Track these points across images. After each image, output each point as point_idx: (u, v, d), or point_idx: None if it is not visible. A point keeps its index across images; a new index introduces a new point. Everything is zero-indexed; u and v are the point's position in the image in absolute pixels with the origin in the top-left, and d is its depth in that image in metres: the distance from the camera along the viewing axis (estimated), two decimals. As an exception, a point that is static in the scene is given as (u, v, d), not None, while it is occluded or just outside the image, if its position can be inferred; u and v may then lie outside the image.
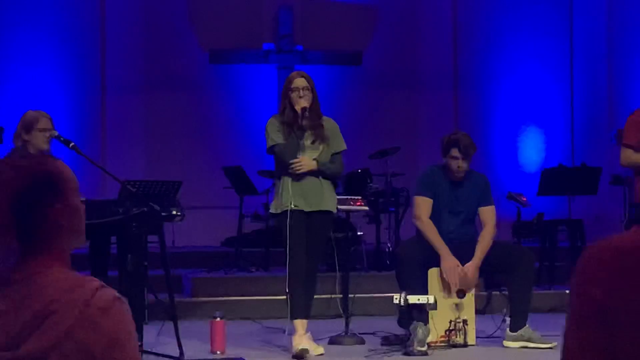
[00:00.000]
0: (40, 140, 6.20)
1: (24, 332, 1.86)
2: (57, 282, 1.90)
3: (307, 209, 6.54)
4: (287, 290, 6.51)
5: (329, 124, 6.71)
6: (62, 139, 6.03)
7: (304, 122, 6.53)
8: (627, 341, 1.58)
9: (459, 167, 6.94)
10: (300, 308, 6.54)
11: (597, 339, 1.63)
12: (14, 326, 1.86)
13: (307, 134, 6.59)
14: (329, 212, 6.66)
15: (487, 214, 7.06)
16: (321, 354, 6.53)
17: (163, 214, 6.04)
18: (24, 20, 11.38)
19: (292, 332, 6.57)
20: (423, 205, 7.00)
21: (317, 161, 6.58)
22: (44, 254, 1.93)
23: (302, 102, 6.52)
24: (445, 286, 6.88)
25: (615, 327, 1.59)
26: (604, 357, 1.62)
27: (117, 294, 1.92)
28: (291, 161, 6.51)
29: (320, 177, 6.61)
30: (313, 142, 6.61)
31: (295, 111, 6.53)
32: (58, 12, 11.55)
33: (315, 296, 6.77)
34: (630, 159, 6.77)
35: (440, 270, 6.88)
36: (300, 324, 6.53)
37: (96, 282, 1.92)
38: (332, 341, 7.02)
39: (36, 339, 1.85)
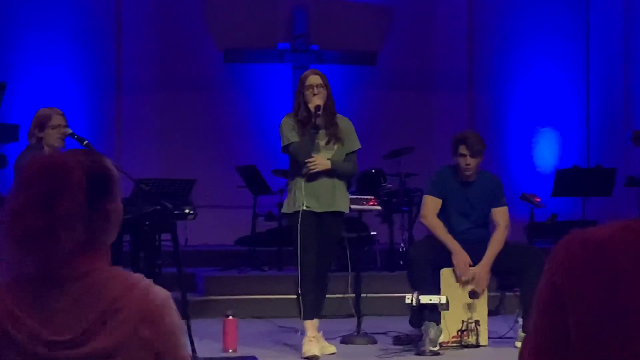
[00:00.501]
0: (53, 138, 6.22)
1: (90, 330, 1.89)
2: (115, 279, 1.94)
3: (319, 210, 6.52)
4: (298, 291, 6.51)
5: (343, 123, 6.68)
6: (76, 136, 6.06)
7: (318, 121, 6.49)
8: (581, 326, 1.63)
9: (467, 164, 6.93)
10: (311, 309, 6.53)
11: (550, 323, 1.68)
12: (78, 324, 1.89)
13: (322, 133, 6.55)
14: (340, 213, 6.64)
15: (500, 214, 7.05)
16: (333, 353, 6.53)
17: (176, 212, 6.05)
18: (40, 20, 11.43)
19: (304, 332, 6.57)
20: (430, 204, 7.01)
21: (331, 161, 6.56)
22: (93, 251, 1.96)
23: (316, 99, 6.48)
24: (458, 282, 6.87)
25: (569, 313, 1.64)
26: (561, 340, 1.67)
27: (167, 290, 1.98)
28: (306, 160, 6.49)
29: (334, 178, 6.58)
30: (328, 143, 6.58)
31: (309, 109, 6.50)
32: (74, 11, 11.59)
33: (327, 296, 6.77)
34: None
35: (453, 270, 6.88)
36: (310, 325, 6.51)
37: (145, 279, 1.98)
38: (344, 341, 7.03)
39: (103, 337, 1.89)
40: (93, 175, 1.97)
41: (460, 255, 6.85)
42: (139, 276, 1.98)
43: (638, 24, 12.17)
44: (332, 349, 6.58)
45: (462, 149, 6.93)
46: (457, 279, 6.88)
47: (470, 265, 6.88)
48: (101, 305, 1.90)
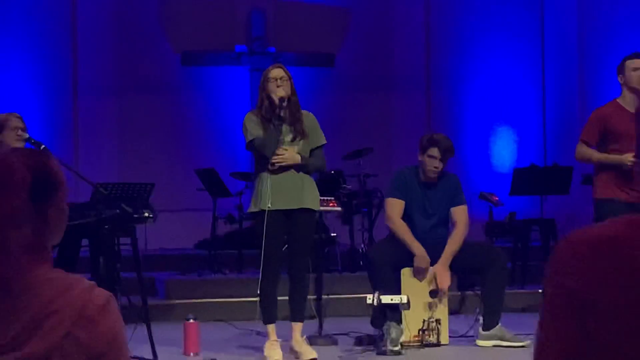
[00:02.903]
0: (12, 140, 6.17)
1: (24, 333, 1.83)
2: (53, 281, 1.88)
3: (286, 207, 6.34)
4: (258, 293, 6.41)
5: (308, 118, 6.50)
6: (32, 141, 6.02)
7: (283, 114, 6.31)
8: (602, 329, 1.60)
9: (435, 167, 6.95)
10: (272, 312, 6.44)
11: (569, 329, 1.65)
12: (12, 327, 1.84)
13: (287, 129, 6.36)
14: (311, 210, 6.45)
15: (459, 213, 7.08)
16: (314, 359, 6.38)
17: (135, 216, 6.02)
18: (-6, 23, 11.33)
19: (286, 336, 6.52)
20: (395, 207, 7.02)
21: (301, 155, 6.38)
22: (36, 253, 1.90)
23: (280, 91, 6.31)
24: (418, 285, 6.91)
25: (589, 316, 1.61)
26: (576, 347, 1.64)
27: (109, 292, 1.92)
28: (275, 154, 6.30)
29: (301, 173, 6.39)
30: (293, 139, 6.39)
31: (273, 102, 6.31)
32: (28, 15, 11.50)
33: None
34: (583, 155, 6.84)
35: (412, 270, 6.91)
36: (271, 329, 6.44)
37: (86, 280, 1.91)
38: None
39: (37, 340, 1.83)
40: (37, 174, 1.91)
41: (422, 258, 6.88)
42: (78, 277, 1.91)
43: (592, 23, 12.29)
44: (312, 354, 6.41)
45: (433, 151, 6.94)
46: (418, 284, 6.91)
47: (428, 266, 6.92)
48: (36, 308, 1.84)
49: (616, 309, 1.58)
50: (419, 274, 6.90)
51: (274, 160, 6.32)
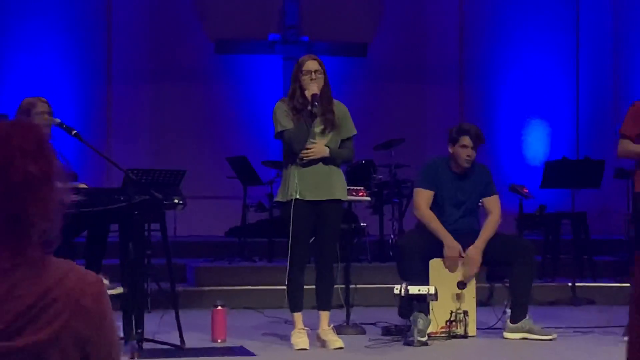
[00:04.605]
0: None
1: (18, 322, 1.81)
2: (47, 269, 1.85)
3: (314, 198, 6.34)
4: (286, 282, 6.43)
5: (339, 109, 6.48)
6: (64, 126, 6.04)
7: (315, 110, 6.29)
8: None
9: (468, 156, 6.94)
10: (299, 300, 6.45)
11: None
12: (5, 316, 1.80)
13: (317, 120, 6.35)
14: (338, 201, 6.46)
15: (492, 203, 7.07)
16: (340, 348, 6.38)
17: (165, 202, 6.06)
18: (30, 9, 11.40)
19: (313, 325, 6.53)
20: (423, 196, 7.01)
21: (329, 148, 6.38)
22: (28, 240, 1.86)
23: (314, 87, 6.27)
24: (447, 273, 6.90)
25: None
26: None
27: (99, 277, 1.90)
28: (302, 149, 6.31)
29: (330, 165, 6.39)
30: (323, 130, 6.38)
31: (305, 97, 6.30)
32: (64, 1, 11.57)
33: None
34: (626, 149, 6.77)
35: (443, 260, 6.90)
36: (299, 317, 6.46)
37: (76, 265, 1.89)
38: (334, 331, 7.04)
39: (35, 331, 1.81)
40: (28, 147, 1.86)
41: (452, 248, 6.87)
42: (70, 263, 1.88)
43: (627, 17, 12.19)
44: (339, 343, 6.42)
45: (466, 141, 6.93)
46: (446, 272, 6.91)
47: (461, 256, 6.90)
48: (32, 298, 1.80)
49: None
50: (450, 263, 6.89)
51: (302, 155, 6.34)
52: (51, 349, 1.82)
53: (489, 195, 7.09)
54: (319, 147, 6.36)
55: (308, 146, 6.34)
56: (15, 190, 1.85)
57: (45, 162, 1.89)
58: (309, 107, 6.29)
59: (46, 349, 1.82)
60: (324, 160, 6.39)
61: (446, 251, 6.88)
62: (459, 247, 6.88)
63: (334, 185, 6.42)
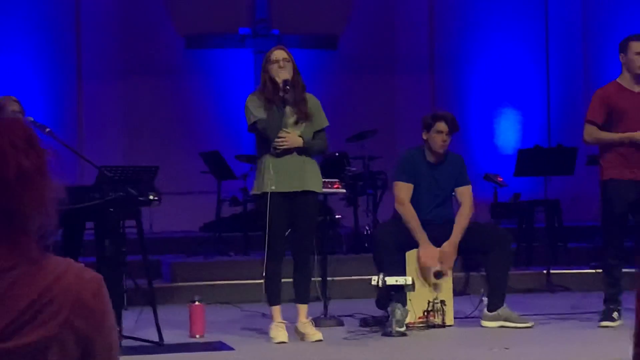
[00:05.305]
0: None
1: (17, 322, 1.78)
2: (45, 267, 1.84)
3: (289, 189, 6.35)
4: (263, 275, 6.43)
5: (311, 101, 6.50)
6: (37, 124, 6.01)
7: (286, 96, 6.30)
8: None
9: (443, 141, 6.96)
10: (277, 294, 6.46)
11: None
12: (5, 315, 1.78)
13: (290, 111, 6.36)
14: (314, 193, 6.48)
15: (464, 193, 7.10)
16: (319, 340, 6.41)
17: (140, 198, 6.04)
18: (-3, 7, 11.32)
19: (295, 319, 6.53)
20: (404, 190, 7.02)
21: (303, 138, 6.39)
22: (26, 238, 1.85)
23: (283, 73, 6.29)
24: (423, 271, 6.91)
25: None
26: None
27: (99, 275, 1.89)
28: (277, 137, 6.30)
29: (304, 155, 6.41)
30: (297, 121, 6.39)
31: (275, 84, 6.30)
32: (32, -2, 11.48)
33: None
34: (592, 136, 6.82)
35: (418, 254, 6.91)
36: (277, 311, 6.47)
37: (75, 263, 1.88)
38: (311, 324, 7.04)
39: (35, 329, 1.78)
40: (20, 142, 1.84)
41: (427, 249, 6.88)
42: (68, 261, 1.87)
43: (596, 2, 12.25)
44: (318, 335, 6.44)
45: (441, 126, 6.95)
46: (421, 271, 6.92)
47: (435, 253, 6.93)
48: (30, 296, 1.78)
49: None
50: (424, 272, 6.90)
51: (276, 143, 6.32)
52: (52, 347, 1.80)
53: (462, 185, 7.12)
54: (292, 136, 6.36)
55: (281, 135, 6.33)
56: (10, 186, 1.83)
57: (37, 155, 1.87)
58: (281, 93, 6.29)
59: (47, 346, 1.80)
60: (298, 151, 6.40)
61: (420, 254, 6.88)
62: (436, 254, 6.88)
63: (308, 177, 6.43)
